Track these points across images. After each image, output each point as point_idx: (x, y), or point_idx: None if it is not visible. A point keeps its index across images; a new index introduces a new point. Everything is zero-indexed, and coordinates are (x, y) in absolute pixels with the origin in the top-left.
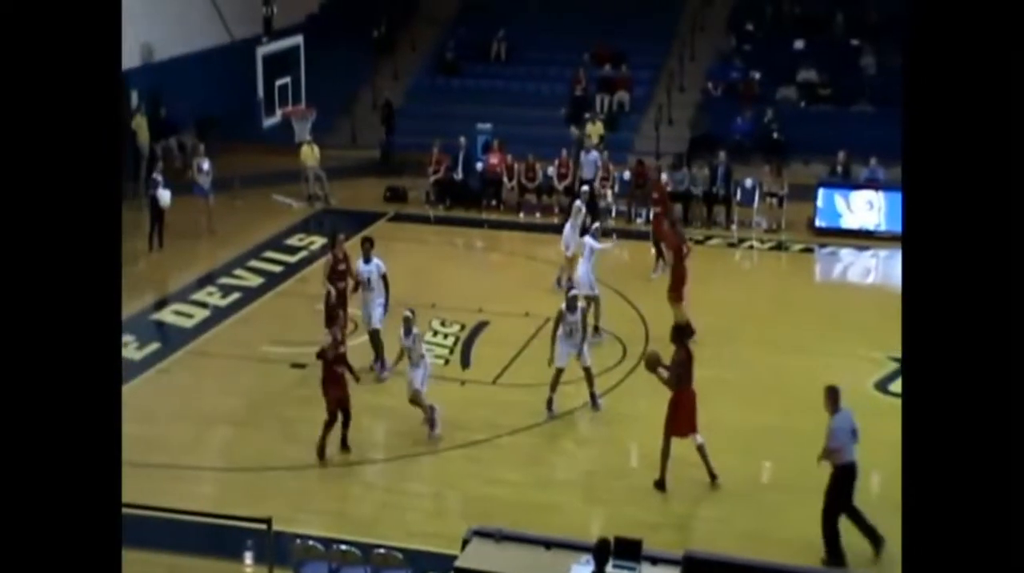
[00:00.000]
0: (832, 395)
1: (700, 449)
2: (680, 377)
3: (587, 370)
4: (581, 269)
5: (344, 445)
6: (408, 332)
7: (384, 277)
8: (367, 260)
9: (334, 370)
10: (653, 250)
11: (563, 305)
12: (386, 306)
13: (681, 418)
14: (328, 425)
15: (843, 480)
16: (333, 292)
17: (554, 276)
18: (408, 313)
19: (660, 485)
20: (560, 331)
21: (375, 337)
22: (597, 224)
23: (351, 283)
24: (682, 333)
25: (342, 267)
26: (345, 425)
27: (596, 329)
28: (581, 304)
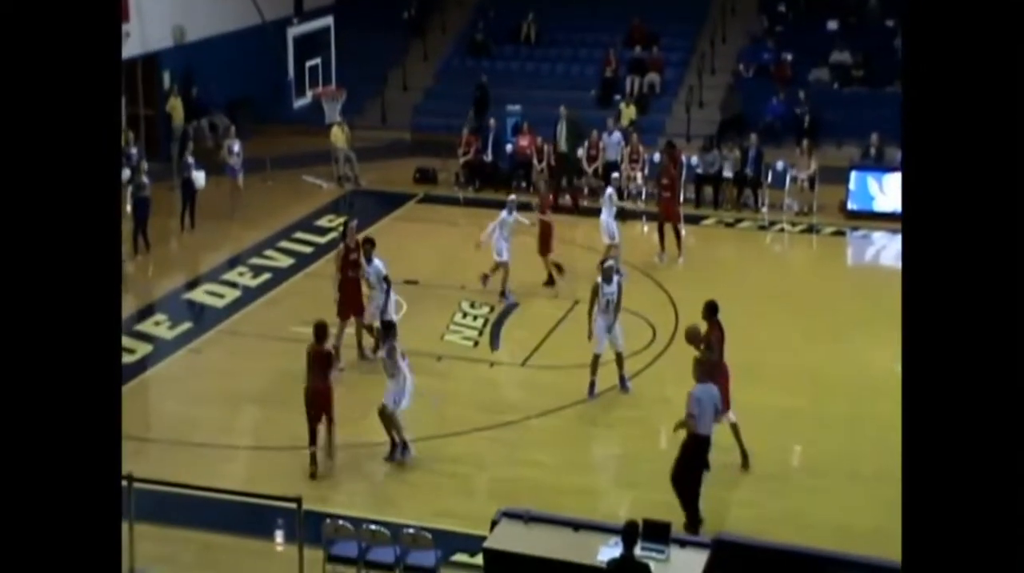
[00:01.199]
0: (697, 366)
1: (734, 428)
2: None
3: (619, 354)
4: (495, 235)
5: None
6: (384, 342)
7: (385, 279)
8: (368, 261)
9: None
10: (657, 234)
11: (599, 277)
12: (383, 309)
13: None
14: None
15: (694, 449)
16: (339, 281)
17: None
18: (378, 324)
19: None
20: (596, 307)
21: (371, 331)
22: (513, 197)
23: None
24: (714, 310)
25: (354, 257)
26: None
27: (503, 293)
28: (618, 276)
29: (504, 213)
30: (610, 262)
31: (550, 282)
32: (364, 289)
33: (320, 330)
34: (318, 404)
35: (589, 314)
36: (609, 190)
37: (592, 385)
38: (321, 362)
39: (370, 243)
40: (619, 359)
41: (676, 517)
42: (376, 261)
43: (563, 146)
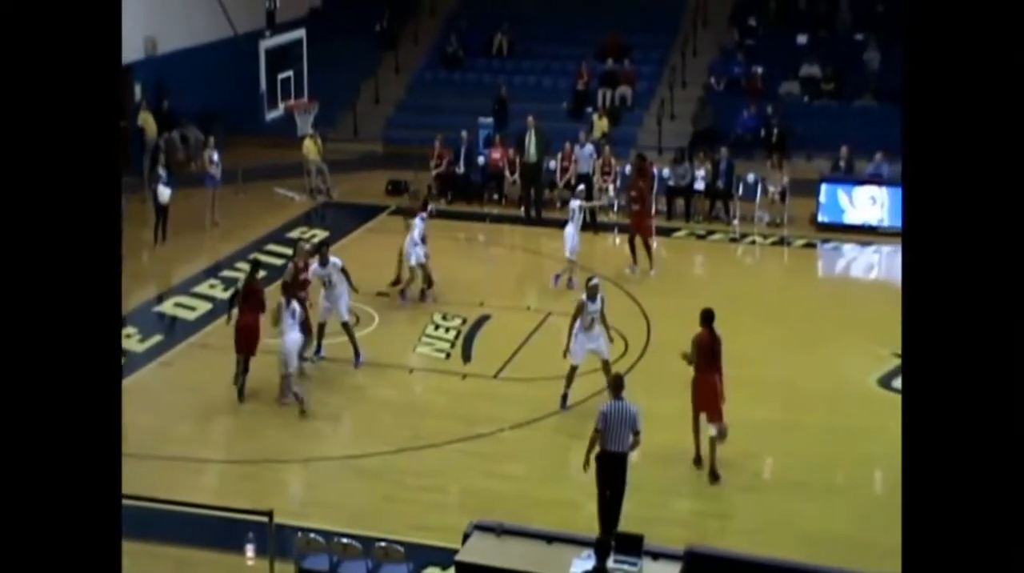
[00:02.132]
0: (613, 382)
1: (711, 441)
2: (698, 360)
3: (605, 362)
4: (407, 240)
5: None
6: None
7: (343, 270)
8: (324, 263)
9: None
10: (628, 247)
11: (583, 295)
12: (349, 296)
13: (697, 402)
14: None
15: (600, 464)
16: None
17: (564, 277)
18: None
19: (698, 461)
20: (578, 323)
21: (346, 328)
22: (431, 207)
23: (310, 292)
24: (709, 317)
25: (304, 277)
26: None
27: (401, 291)
28: (601, 293)
29: (418, 219)
30: (595, 280)
31: (396, 282)
32: (321, 291)
33: (254, 267)
34: (245, 338)
35: (569, 330)
36: (572, 204)
37: (564, 397)
38: (252, 298)
39: (325, 246)
40: (606, 367)
41: (649, 529)
42: (332, 258)
43: (532, 157)
